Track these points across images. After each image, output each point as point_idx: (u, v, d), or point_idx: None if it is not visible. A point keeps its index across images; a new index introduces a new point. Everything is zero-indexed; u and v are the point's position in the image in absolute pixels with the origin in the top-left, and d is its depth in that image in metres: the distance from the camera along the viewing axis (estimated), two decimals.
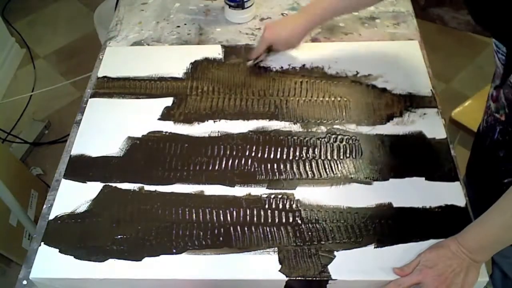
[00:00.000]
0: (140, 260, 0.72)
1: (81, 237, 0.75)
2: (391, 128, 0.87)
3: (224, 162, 0.83)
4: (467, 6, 0.68)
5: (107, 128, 0.90)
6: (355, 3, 0.93)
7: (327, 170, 0.81)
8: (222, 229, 0.75)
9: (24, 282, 0.74)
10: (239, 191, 0.79)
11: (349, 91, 0.94)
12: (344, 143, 0.85)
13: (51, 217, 0.78)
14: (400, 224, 0.74)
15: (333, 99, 0.93)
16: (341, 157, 0.83)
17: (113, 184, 0.81)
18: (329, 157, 0.83)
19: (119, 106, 0.94)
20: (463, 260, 0.65)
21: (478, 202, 0.80)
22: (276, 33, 0.96)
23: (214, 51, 1.04)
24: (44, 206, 0.82)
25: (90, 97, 0.96)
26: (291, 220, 0.75)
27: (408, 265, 0.68)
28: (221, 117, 0.91)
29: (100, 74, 1.01)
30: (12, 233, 1.47)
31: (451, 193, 0.77)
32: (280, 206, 0.77)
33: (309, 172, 0.81)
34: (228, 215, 0.76)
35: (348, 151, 0.84)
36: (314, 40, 1.07)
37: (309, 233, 0.73)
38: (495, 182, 0.81)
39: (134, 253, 0.73)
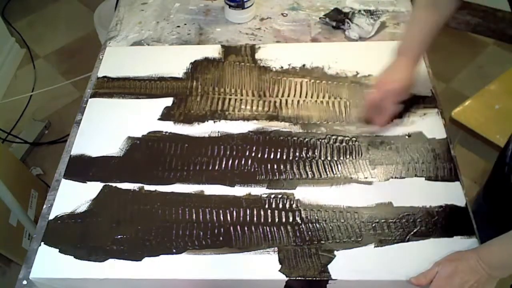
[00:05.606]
0: (140, 260, 0.72)
1: (81, 237, 0.75)
2: (391, 128, 0.87)
3: (224, 162, 0.83)
4: None
5: (107, 128, 0.90)
6: (438, 21, 0.83)
7: (327, 170, 0.81)
8: (222, 229, 0.75)
9: (24, 282, 0.74)
10: (239, 191, 0.79)
11: (349, 91, 0.94)
12: (344, 144, 0.85)
13: (51, 217, 0.78)
14: (400, 224, 0.74)
15: (333, 99, 0.93)
16: (341, 158, 0.83)
17: (113, 184, 0.81)
18: (329, 158, 0.83)
19: (119, 106, 0.94)
20: (481, 275, 0.64)
21: (495, 219, 0.80)
22: (394, 81, 0.83)
23: (214, 51, 1.04)
24: (44, 206, 0.82)
25: (90, 97, 0.96)
26: (291, 220, 0.75)
27: (424, 275, 0.67)
28: (221, 117, 0.91)
29: (100, 74, 1.01)
30: (12, 233, 1.47)
31: (451, 193, 0.77)
32: (280, 206, 0.77)
33: (309, 172, 0.81)
34: (228, 215, 0.76)
35: (348, 152, 0.84)
36: (314, 40, 1.08)
37: (309, 233, 0.73)
38: None
39: (134, 253, 0.73)
